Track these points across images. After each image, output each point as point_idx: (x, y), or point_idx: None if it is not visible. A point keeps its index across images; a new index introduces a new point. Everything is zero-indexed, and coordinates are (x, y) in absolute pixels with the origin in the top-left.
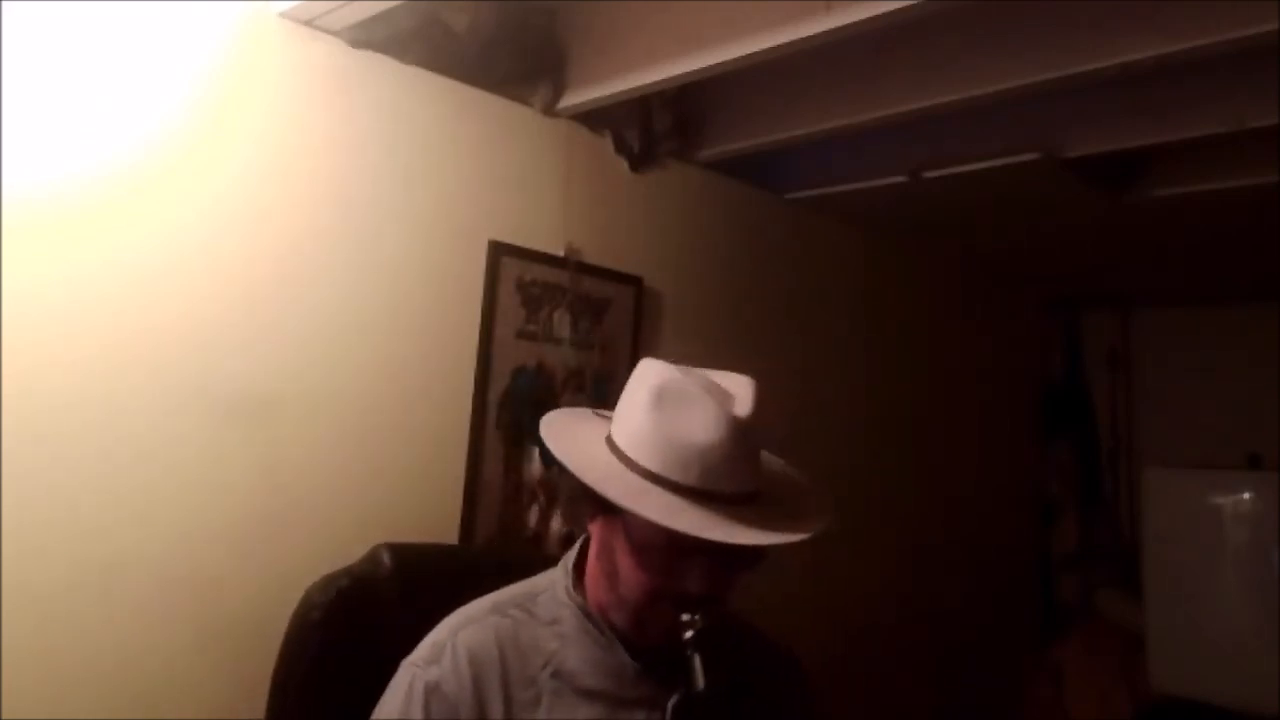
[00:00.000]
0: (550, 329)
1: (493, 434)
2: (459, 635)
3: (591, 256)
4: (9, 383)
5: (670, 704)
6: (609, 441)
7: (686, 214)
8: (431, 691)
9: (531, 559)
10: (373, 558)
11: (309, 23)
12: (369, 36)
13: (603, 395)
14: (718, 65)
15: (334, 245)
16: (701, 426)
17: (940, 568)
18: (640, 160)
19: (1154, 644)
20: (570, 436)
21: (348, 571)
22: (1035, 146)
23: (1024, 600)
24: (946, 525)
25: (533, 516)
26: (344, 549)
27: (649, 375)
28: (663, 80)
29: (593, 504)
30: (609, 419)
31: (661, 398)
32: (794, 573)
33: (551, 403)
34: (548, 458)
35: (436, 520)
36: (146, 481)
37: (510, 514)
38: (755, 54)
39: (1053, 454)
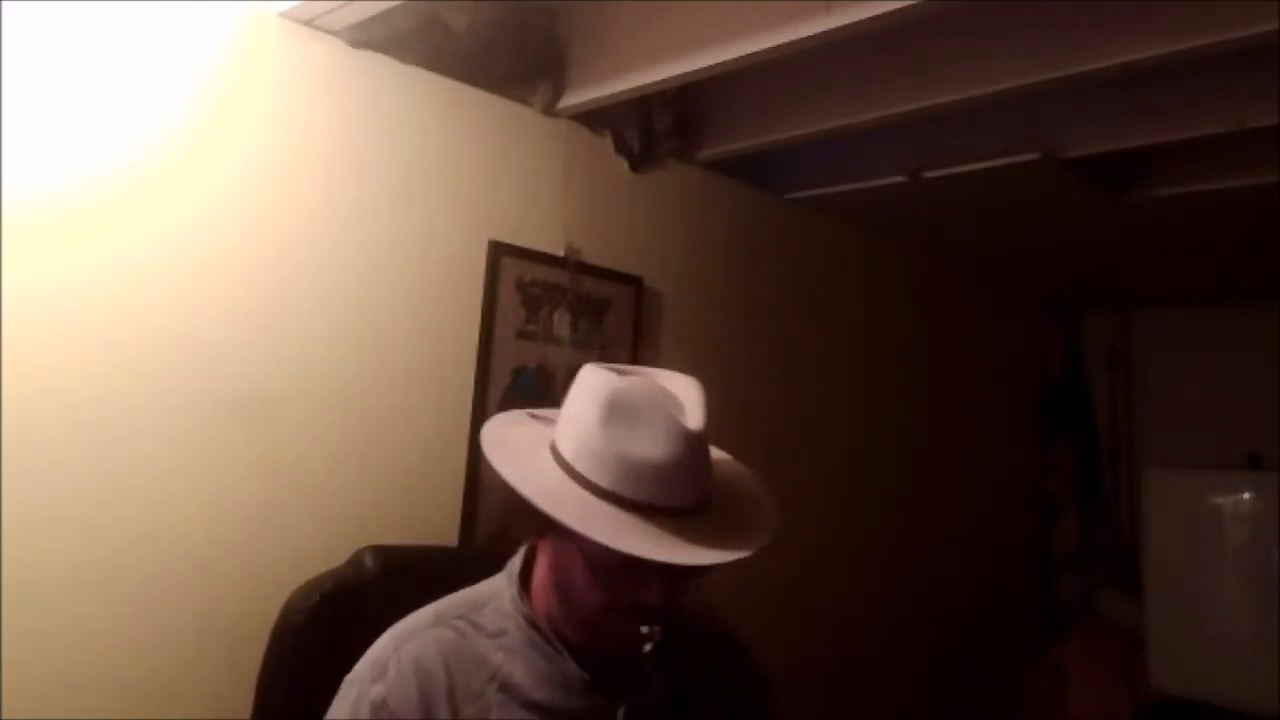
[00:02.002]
0: (550, 329)
1: None
2: (403, 649)
3: (591, 256)
4: (9, 383)
5: (620, 714)
6: (554, 452)
7: (686, 214)
8: (378, 708)
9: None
10: (356, 561)
11: (309, 23)
12: (369, 36)
13: None
14: (718, 65)
15: (334, 245)
16: (654, 442)
17: (940, 568)
18: (640, 160)
19: (1154, 644)
20: (515, 450)
21: (331, 575)
22: (1035, 146)
23: (1024, 600)
24: (946, 525)
25: None
26: (344, 549)
27: (596, 385)
28: (663, 80)
29: (543, 520)
30: (548, 421)
31: (613, 411)
32: (794, 573)
33: (553, 403)
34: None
35: (436, 520)
36: (146, 481)
37: (510, 515)
38: (755, 54)
39: (1053, 454)
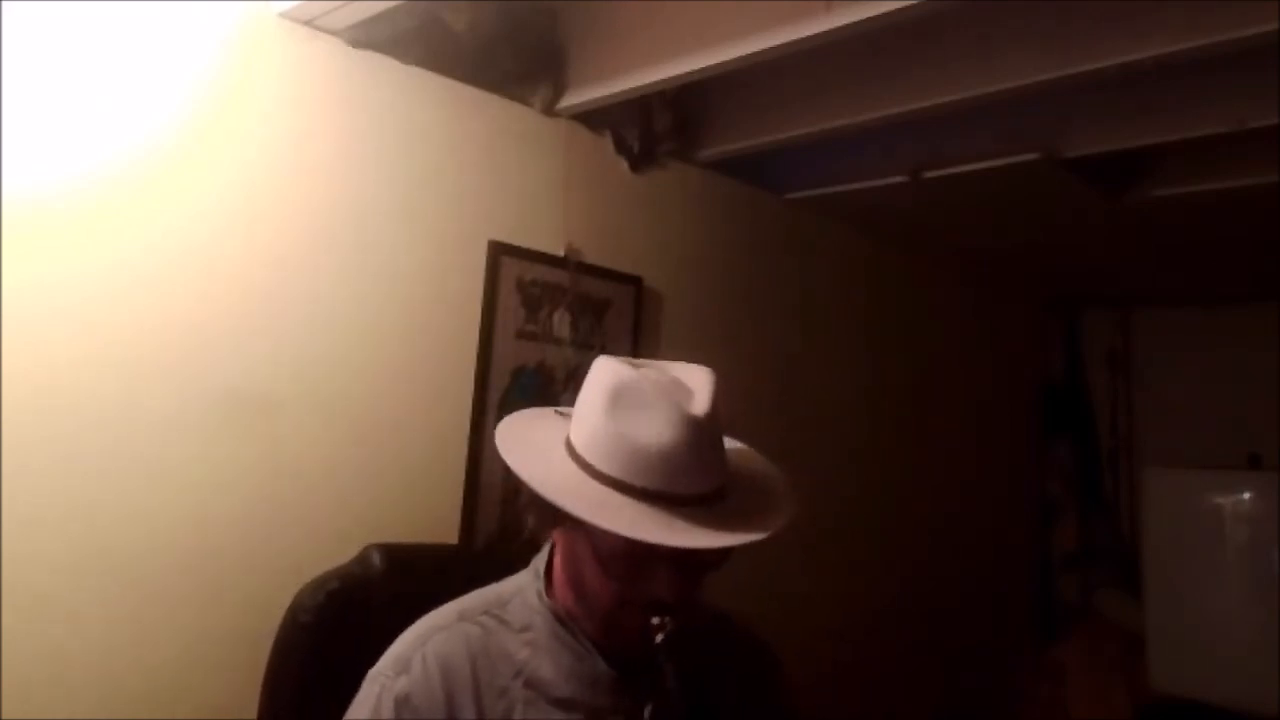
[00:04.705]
0: (550, 329)
1: (493, 434)
2: (428, 644)
3: (591, 256)
4: (9, 383)
5: (646, 712)
6: (568, 445)
7: (686, 214)
8: (401, 703)
9: (525, 560)
10: (363, 559)
11: (309, 23)
12: (369, 36)
13: None
14: (718, 65)
15: (334, 245)
16: (657, 429)
17: (940, 568)
18: (640, 160)
19: (1154, 644)
20: (527, 442)
21: (338, 573)
22: (1035, 146)
23: (1024, 600)
24: (947, 525)
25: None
26: (344, 549)
27: (603, 375)
28: (663, 80)
29: (552, 514)
30: (570, 418)
31: (617, 400)
32: (793, 573)
33: (552, 403)
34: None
35: (436, 520)
36: (147, 481)
37: (510, 514)
38: (755, 54)
39: (1053, 454)
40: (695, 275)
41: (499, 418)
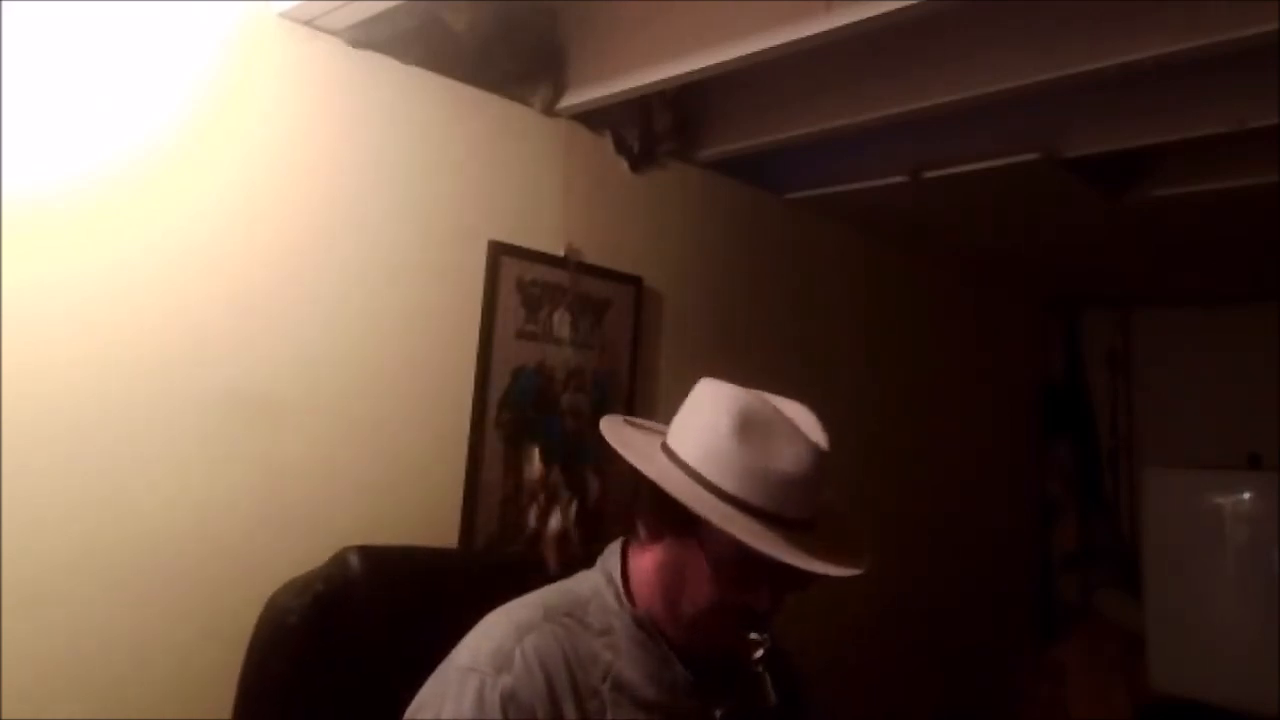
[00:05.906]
0: (550, 329)
1: (493, 434)
2: (525, 641)
3: (591, 256)
4: (9, 383)
5: (717, 715)
6: (674, 459)
7: (686, 214)
8: (508, 699)
9: (507, 561)
10: (340, 561)
11: (309, 23)
12: (369, 36)
13: (603, 395)
14: (718, 65)
15: (334, 245)
16: (791, 457)
17: (940, 568)
18: (640, 160)
19: (1154, 644)
20: (640, 451)
21: (319, 575)
22: (1035, 146)
23: (1024, 600)
24: (947, 525)
25: (532, 517)
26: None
27: (725, 399)
28: (663, 80)
29: (664, 520)
30: (651, 430)
31: (748, 425)
32: None
33: (552, 403)
34: (551, 458)
35: (436, 521)
36: (146, 482)
37: (510, 514)
38: (755, 54)
39: (1053, 454)
40: (695, 275)
41: (499, 417)
